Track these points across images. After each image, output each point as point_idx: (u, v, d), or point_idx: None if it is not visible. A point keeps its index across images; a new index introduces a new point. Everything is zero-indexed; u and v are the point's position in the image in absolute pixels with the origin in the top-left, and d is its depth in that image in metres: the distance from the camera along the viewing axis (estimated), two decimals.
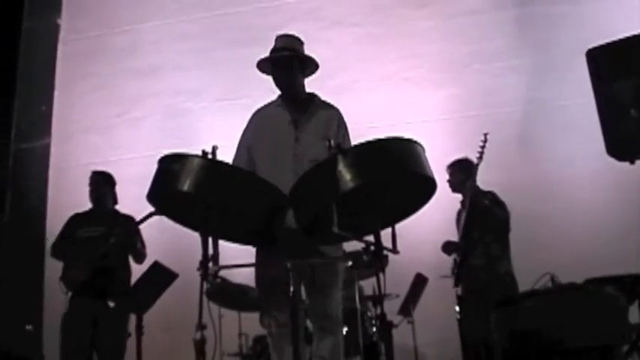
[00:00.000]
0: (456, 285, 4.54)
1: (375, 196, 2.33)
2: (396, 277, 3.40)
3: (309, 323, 3.21)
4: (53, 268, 4.78)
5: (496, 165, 4.99)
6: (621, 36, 2.58)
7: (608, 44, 2.58)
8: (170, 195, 2.42)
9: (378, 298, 3.72)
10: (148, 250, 4.58)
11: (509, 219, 4.55)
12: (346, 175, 2.17)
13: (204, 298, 2.30)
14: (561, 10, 6.03)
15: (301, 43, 3.20)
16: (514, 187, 5.17)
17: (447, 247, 4.67)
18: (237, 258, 2.56)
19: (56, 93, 6.96)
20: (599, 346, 3.01)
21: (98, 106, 6.75)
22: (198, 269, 2.29)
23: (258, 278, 3.06)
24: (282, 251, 2.46)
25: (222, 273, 2.41)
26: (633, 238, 4.97)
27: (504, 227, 4.55)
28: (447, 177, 4.73)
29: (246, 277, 4.02)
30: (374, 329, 4.46)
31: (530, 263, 4.39)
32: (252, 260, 3.00)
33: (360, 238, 2.34)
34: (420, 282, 4.84)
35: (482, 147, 4.53)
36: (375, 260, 2.30)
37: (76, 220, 4.56)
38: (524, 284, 3.99)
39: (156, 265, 4.02)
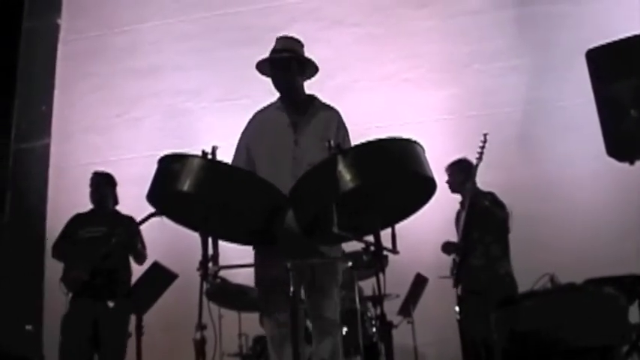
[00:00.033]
0: (456, 285, 4.54)
1: (375, 196, 2.33)
2: (396, 277, 3.40)
3: (309, 323, 3.21)
4: (53, 268, 4.78)
5: (496, 165, 5.00)
6: (621, 36, 2.58)
7: (608, 45, 2.58)
8: (170, 195, 2.42)
9: (378, 299, 3.72)
10: (148, 250, 4.59)
11: (508, 219, 4.55)
12: (346, 176, 2.17)
13: (204, 299, 2.30)
14: (561, 10, 6.03)
15: (301, 45, 3.20)
16: (514, 187, 5.17)
17: (447, 248, 4.67)
18: (237, 258, 2.56)
19: (56, 93, 6.96)
20: (599, 347, 3.01)
21: (98, 106, 6.75)
22: (198, 269, 2.29)
23: (258, 278, 3.06)
24: (281, 251, 2.46)
25: (222, 273, 2.41)
26: (633, 238, 4.97)
27: (504, 228, 4.55)
28: (446, 177, 4.73)
29: (246, 277, 4.02)
30: (374, 329, 4.45)
31: (530, 263, 4.39)
32: (252, 261, 3.00)
33: (359, 239, 2.34)
34: (419, 282, 4.84)
35: (482, 147, 4.53)
36: (375, 260, 2.30)
37: (77, 220, 4.56)
38: (524, 284, 3.99)
39: (155, 266, 4.02)
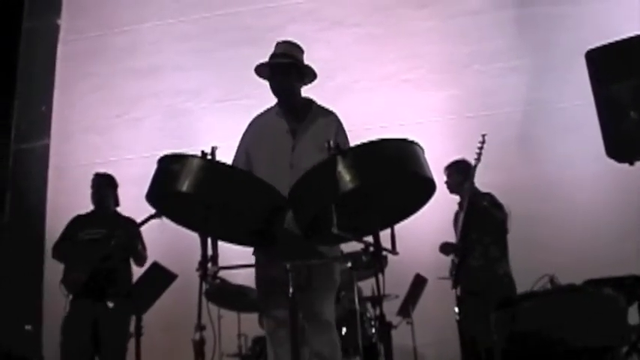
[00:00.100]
0: (455, 286, 4.54)
1: (375, 196, 2.33)
2: (395, 277, 3.40)
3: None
4: (53, 268, 4.78)
5: (496, 166, 5.00)
6: (621, 37, 2.58)
7: (608, 45, 2.58)
8: (169, 195, 2.42)
9: (377, 299, 3.74)
10: (148, 250, 4.58)
11: (506, 220, 4.55)
12: (346, 176, 2.17)
13: (204, 299, 2.30)
14: (561, 11, 6.03)
15: (301, 50, 3.19)
16: (514, 188, 5.18)
17: (445, 249, 4.67)
18: (237, 259, 2.56)
19: (56, 93, 6.96)
20: (599, 348, 3.02)
21: (98, 106, 6.75)
22: (198, 270, 2.29)
23: (258, 279, 3.06)
24: (281, 252, 2.46)
25: (222, 274, 2.41)
26: (633, 239, 4.97)
27: (502, 228, 4.55)
28: (445, 178, 4.73)
29: (245, 278, 4.02)
30: (373, 330, 4.45)
31: (529, 264, 4.39)
32: (252, 261, 3.00)
33: (359, 239, 2.34)
34: (419, 283, 4.85)
35: (480, 148, 4.53)
36: (374, 261, 2.29)
37: (78, 221, 4.56)
38: (524, 285, 3.99)
39: (155, 266, 4.02)
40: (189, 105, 6.62)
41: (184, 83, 6.64)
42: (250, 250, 2.92)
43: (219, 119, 6.22)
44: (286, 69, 3.09)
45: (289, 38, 3.24)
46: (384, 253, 2.30)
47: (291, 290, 2.38)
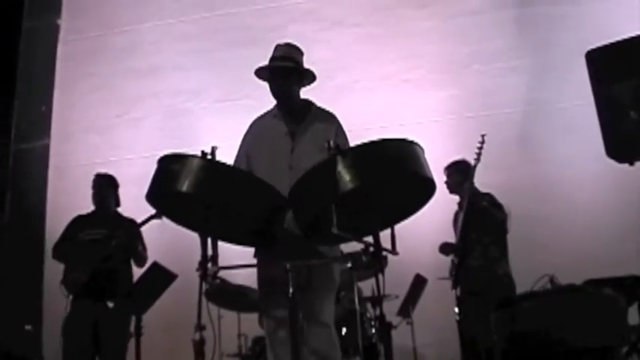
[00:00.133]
0: (455, 286, 4.54)
1: (375, 196, 2.33)
2: (395, 278, 3.40)
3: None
4: (53, 268, 4.78)
5: (496, 166, 5.00)
6: (621, 37, 2.58)
7: (608, 45, 2.58)
8: (169, 195, 2.42)
9: (377, 299, 3.74)
10: (148, 250, 4.58)
11: (506, 220, 4.55)
12: (346, 176, 2.17)
13: (204, 299, 2.31)
14: (561, 11, 6.03)
15: (301, 53, 3.18)
16: (514, 188, 5.18)
17: (445, 249, 4.67)
18: (237, 259, 2.56)
19: (56, 93, 6.96)
20: (599, 348, 3.02)
21: (98, 106, 6.75)
22: (198, 270, 2.29)
23: (260, 279, 3.06)
24: (281, 252, 2.46)
25: (222, 274, 2.41)
26: (633, 239, 4.97)
27: (502, 228, 4.55)
28: (444, 178, 4.73)
29: (245, 278, 4.03)
30: (373, 330, 4.45)
31: (529, 264, 4.39)
32: (252, 261, 3.00)
33: (359, 239, 2.34)
34: (419, 283, 4.85)
35: (480, 148, 4.53)
36: (374, 261, 2.30)
37: (78, 222, 4.56)
38: (524, 285, 3.98)
39: (155, 266, 4.02)
40: (189, 105, 6.62)
41: (184, 83, 6.64)
42: (250, 250, 2.92)
43: (219, 119, 6.22)
44: (286, 72, 3.10)
45: (289, 39, 3.24)
46: (384, 253, 2.31)
47: (291, 290, 2.38)
